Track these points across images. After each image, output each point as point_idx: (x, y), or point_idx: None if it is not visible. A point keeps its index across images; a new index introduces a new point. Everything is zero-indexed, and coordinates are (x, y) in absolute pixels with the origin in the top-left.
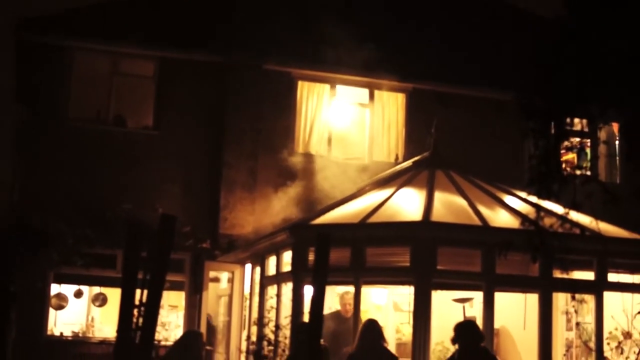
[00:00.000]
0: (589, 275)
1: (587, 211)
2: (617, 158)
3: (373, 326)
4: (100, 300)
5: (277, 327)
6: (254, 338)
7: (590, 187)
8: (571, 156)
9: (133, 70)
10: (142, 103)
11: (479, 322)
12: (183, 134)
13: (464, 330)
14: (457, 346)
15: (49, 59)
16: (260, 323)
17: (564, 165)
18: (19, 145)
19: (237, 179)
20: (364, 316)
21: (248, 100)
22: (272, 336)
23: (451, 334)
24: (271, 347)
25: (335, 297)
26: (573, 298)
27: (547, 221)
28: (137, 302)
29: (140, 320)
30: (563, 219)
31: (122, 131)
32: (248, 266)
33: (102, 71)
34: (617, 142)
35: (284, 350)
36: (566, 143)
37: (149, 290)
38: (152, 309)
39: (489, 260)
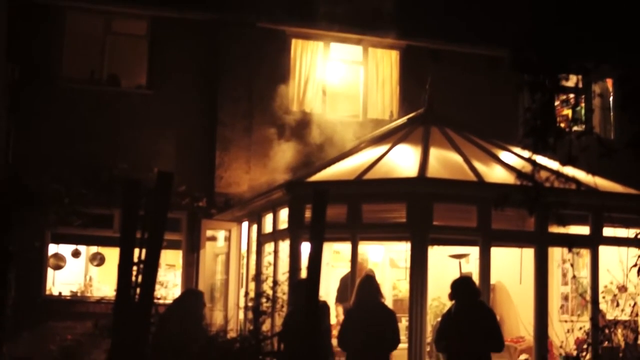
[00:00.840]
0: (584, 230)
1: (583, 166)
2: (612, 113)
3: (370, 282)
4: (98, 260)
5: (275, 283)
6: (252, 294)
7: (586, 140)
8: (566, 112)
9: (126, 30)
10: (135, 62)
11: (475, 278)
12: (177, 93)
13: (461, 287)
14: (453, 302)
15: (41, 19)
16: (258, 279)
17: (559, 120)
18: (12, 106)
19: (232, 137)
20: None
21: (242, 59)
22: (270, 292)
23: (448, 290)
24: (269, 303)
25: (332, 254)
26: (570, 251)
27: (543, 175)
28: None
29: (139, 278)
30: (558, 174)
31: (116, 91)
32: (245, 224)
33: (95, 31)
34: (611, 99)
35: (282, 306)
36: (561, 97)
37: (147, 248)
38: (151, 266)
39: (485, 216)
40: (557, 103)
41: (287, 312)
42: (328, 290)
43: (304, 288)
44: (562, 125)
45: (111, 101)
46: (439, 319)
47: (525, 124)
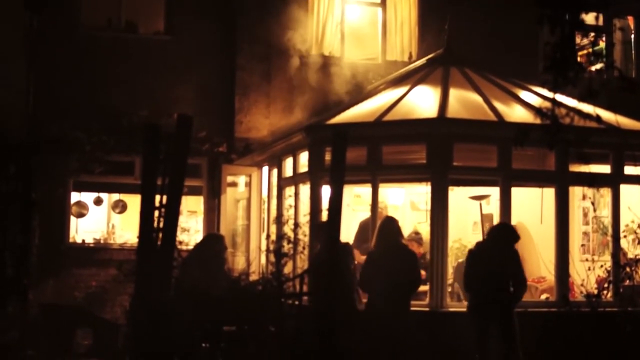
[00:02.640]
0: (605, 169)
1: (604, 104)
2: (633, 52)
3: (391, 223)
4: (120, 207)
5: (296, 225)
6: (273, 237)
7: (607, 75)
8: (586, 52)
9: None
10: (152, 8)
11: (496, 219)
12: (195, 38)
13: (501, 231)
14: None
15: None
16: (279, 221)
17: (579, 57)
18: (31, 54)
19: (251, 82)
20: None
21: (260, 2)
22: (291, 234)
23: (469, 231)
24: (290, 246)
25: (353, 198)
26: (590, 187)
27: (563, 112)
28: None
29: (161, 222)
30: (579, 111)
31: (134, 37)
32: (265, 169)
33: None
34: (632, 37)
35: (303, 248)
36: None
37: (168, 191)
38: (172, 209)
39: (505, 155)
40: (578, 41)
41: (314, 252)
42: (349, 233)
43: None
44: (582, 61)
45: (129, 48)
46: (460, 260)
47: (545, 58)
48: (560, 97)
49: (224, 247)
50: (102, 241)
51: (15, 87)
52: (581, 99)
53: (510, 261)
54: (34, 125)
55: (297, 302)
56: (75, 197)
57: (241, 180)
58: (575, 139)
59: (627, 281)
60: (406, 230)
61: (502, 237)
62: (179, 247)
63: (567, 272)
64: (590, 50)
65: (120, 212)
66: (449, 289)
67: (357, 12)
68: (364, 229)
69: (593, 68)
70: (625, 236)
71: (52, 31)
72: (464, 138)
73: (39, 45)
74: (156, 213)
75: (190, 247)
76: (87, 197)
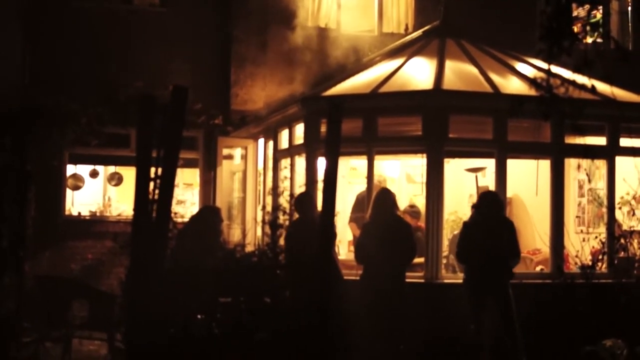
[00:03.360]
0: (601, 141)
1: (599, 75)
2: (630, 24)
3: (386, 195)
4: (116, 180)
5: (292, 196)
6: (269, 209)
7: (602, 46)
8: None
9: None
10: None
11: None
12: (191, 10)
13: (489, 199)
14: (471, 214)
15: None
16: (275, 193)
17: (576, 28)
18: (27, 26)
19: (246, 54)
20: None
21: None
22: (287, 206)
23: (464, 204)
24: (286, 217)
25: (349, 171)
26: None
27: (558, 82)
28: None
29: (157, 194)
30: (574, 83)
31: (128, 9)
32: (261, 141)
33: None
34: (629, 8)
35: None
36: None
37: (163, 162)
38: (167, 181)
39: (501, 127)
40: (575, 13)
41: (291, 224)
42: (345, 205)
43: (309, 200)
44: (579, 31)
45: (125, 20)
46: (456, 232)
47: (541, 27)
48: (556, 69)
49: (220, 219)
50: (98, 214)
51: (11, 59)
52: (577, 69)
53: (506, 232)
54: (29, 98)
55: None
56: (71, 169)
57: (237, 152)
58: (571, 111)
59: (622, 253)
60: (402, 204)
61: (496, 206)
62: (175, 218)
63: (562, 244)
64: (587, 21)
65: (116, 185)
66: (444, 261)
67: None
68: (361, 201)
69: (590, 40)
70: (620, 208)
71: (48, 3)
72: (460, 110)
73: (35, 18)
74: (152, 185)
75: (186, 219)
76: (83, 170)
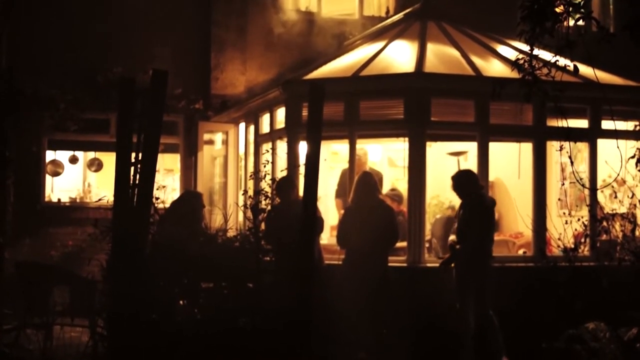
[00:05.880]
0: (583, 123)
1: (581, 58)
2: (611, 6)
3: (367, 178)
4: (95, 166)
5: (274, 180)
6: (250, 193)
7: (584, 27)
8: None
9: None
10: None
11: None
12: None
13: (463, 180)
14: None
15: None
16: (257, 177)
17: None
18: (4, 10)
19: (227, 38)
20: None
21: None
22: (268, 190)
23: (447, 188)
24: (268, 201)
25: (331, 155)
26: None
27: (540, 65)
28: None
29: (137, 179)
30: (556, 65)
31: None
32: (242, 125)
33: None
34: None
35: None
36: None
37: (144, 146)
38: (148, 165)
39: (483, 110)
40: None
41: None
42: (327, 188)
43: (290, 184)
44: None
45: (104, 4)
46: (438, 216)
47: (523, 7)
48: (538, 52)
49: (202, 203)
50: (78, 200)
51: None
52: (559, 51)
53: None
54: (6, 82)
55: (274, 258)
56: (50, 155)
57: (218, 137)
58: (552, 92)
59: (604, 235)
60: (384, 188)
61: (469, 183)
62: (156, 203)
63: (544, 227)
64: (568, 1)
65: (96, 171)
66: (427, 245)
67: None
68: (345, 176)
69: (572, 22)
70: (602, 191)
71: None
72: (442, 93)
73: (12, 2)
74: (132, 170)
75: (167, 205)
76: (63, 156)
